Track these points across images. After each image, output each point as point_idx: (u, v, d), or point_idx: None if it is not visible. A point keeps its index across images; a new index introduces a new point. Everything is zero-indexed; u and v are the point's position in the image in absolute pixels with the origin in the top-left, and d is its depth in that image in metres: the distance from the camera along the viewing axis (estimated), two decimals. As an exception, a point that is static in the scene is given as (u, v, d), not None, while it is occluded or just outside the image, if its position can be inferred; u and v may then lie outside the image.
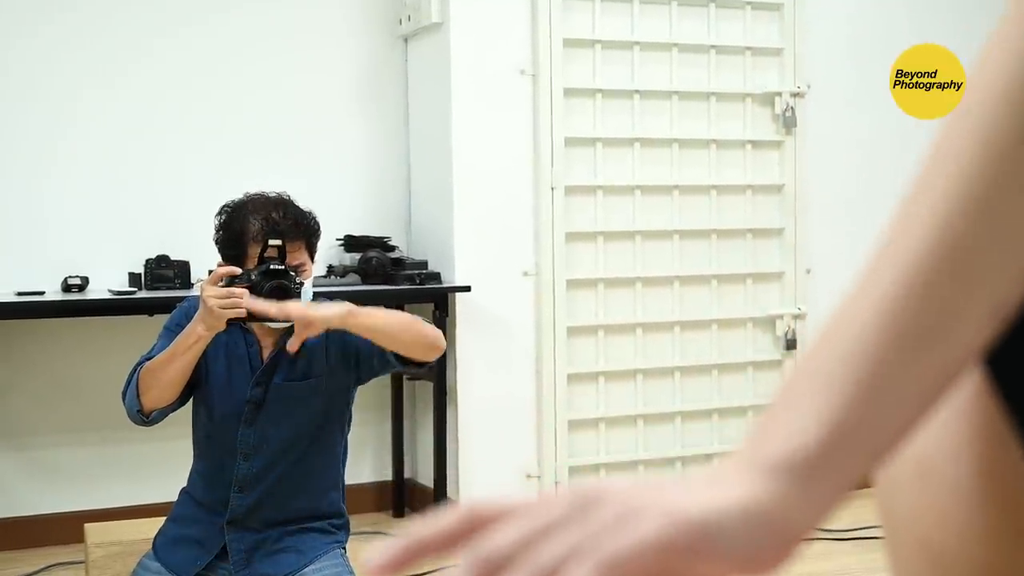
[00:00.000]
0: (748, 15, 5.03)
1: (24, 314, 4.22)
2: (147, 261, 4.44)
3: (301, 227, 2.63)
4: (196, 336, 2.46)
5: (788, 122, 5.05)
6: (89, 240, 4.53)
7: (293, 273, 2.51)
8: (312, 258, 2.69)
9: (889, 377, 0.61)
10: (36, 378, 4.52)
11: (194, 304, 2.61)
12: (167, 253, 4.43)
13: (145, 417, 2.60)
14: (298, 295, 2.50)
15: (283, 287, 2.46)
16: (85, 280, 4.38)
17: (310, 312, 2.39)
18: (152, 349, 2.64)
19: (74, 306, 4.29)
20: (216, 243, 2.67)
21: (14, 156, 4.46)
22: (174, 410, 2.66)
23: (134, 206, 4.58)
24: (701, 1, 4.94)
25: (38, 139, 4.50)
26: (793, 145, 5.09)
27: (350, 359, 2.65)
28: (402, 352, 2.55)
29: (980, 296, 0.61)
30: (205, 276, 2.70)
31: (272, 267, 2.47)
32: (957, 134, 0.63)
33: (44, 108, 4.50)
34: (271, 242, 2.49)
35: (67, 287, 4.34)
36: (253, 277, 2.45)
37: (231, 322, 2.45)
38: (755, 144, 5.06)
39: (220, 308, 2.41)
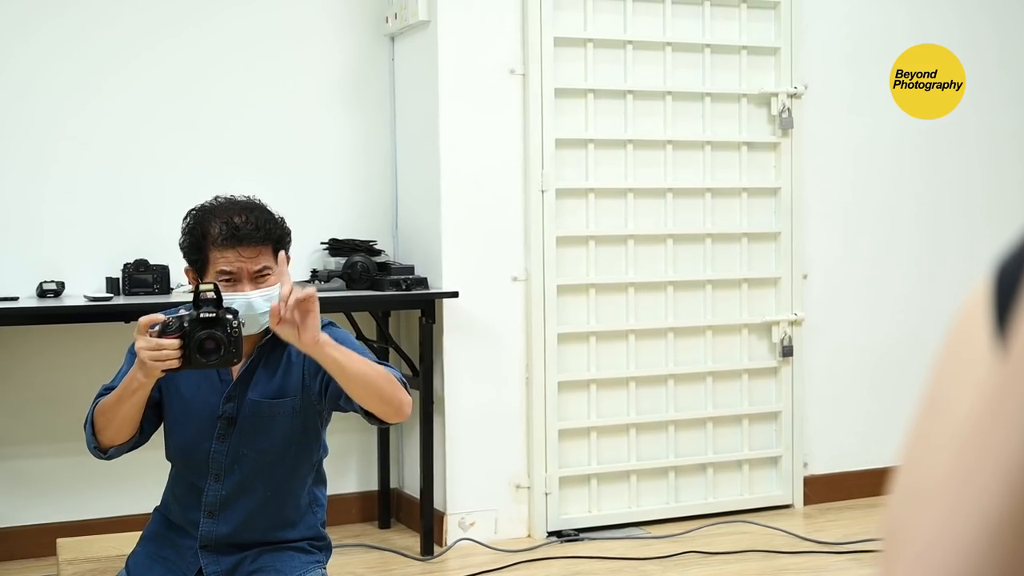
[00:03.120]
0: (744, 14, 4.92)
1: (-3, 320, 4.10)
2: (125, 265, 4.32)
3: (263, 231, 2.50)
4: (138, 383, 2.37)
5: (785, 123, 4.94)
6: (65, 244, 4.41)
7: (230, 316, 2.37)
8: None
9: None
10: (9, 387, 4.39)
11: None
12: (146, 257, 4.31)
13: (103, 453, 2.53)
14: (237, 342, 2.36)
15: (215, 338, 2.33)
16: (61, 285, 4.25)
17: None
18: (116, 376, 2.55)
19: (49, 313, 4.15)
20: (180, 248, 2.56)
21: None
22: (133, 448, 2.57)
23: (112, 209, 4.46)
24: (695, -1, 4.84)
25: (13, 142, 4.37)
26: (790, 147, 4.98)
27: (323, 385, 2.54)
28: (365, 405, 2.44)
29: None
30: (184, 281, 2.60)
31: (203, 315, 2.32)
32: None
33: (20, 113, 4.38)
34: (202, 287, 2.36)
35: (42, 292, 4.22)
36: (185, 324, 2.32)
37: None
38: (751, 146, 4.96)
39: (151, 361, 2.30)
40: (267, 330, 2.52)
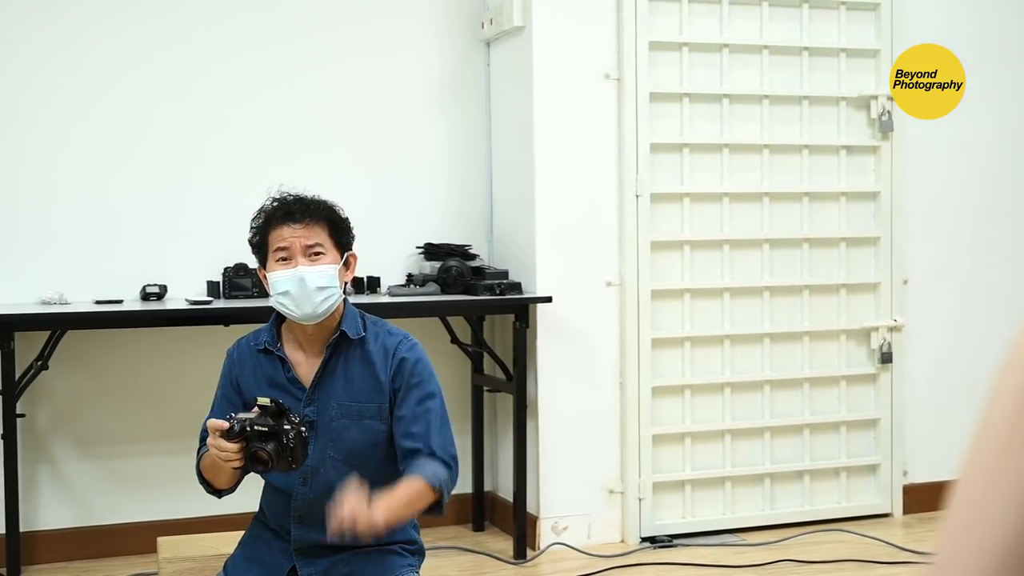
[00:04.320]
0: (843, 15, 4.86)
1: (102, 323, 4.19)
2: (225, 269, 4.40)
3: (312, 208, 2.61)
4: (222, 463, 2.45)
5: (884, 126, 4.86)
6: (168, 248, 4.50)
7: (288, 427, 2.41)
8: (341, 251, 2.64)
9: None
10: (113, 387, 4.49)
11: (233, 353, 2.68)
12: (245, 261, 4.37)
13: (217, 495, 2.66)
14: (294, 452, 2.42)
15: (266, 451, 2.40)
16: (163, 288, 4.35)
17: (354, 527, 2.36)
18: (214, 400, 2.67)
19: (151, 315, 4.25)
20: (249, 244, 2.69)
21: (91, 163, 4.45)
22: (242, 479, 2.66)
23: (213, 213, 4.55)
24: (793, 1, 4.78)
25: (116, 145, 4.48)
26: (890, 150, 4.90)
27: (394, 401, 2.64)
28: None
29: None
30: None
31: (257, 427, 2.40)
32: None
33: (120, 115, 4.48)
34: (260, 401, 2.44)
35: (145, 295, 4.31)
36: (248, 429, 2.40)
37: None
38: (849, 149, 4.89)
39: (218, 460, 2.42)
40: (336, 326, 2.61)
